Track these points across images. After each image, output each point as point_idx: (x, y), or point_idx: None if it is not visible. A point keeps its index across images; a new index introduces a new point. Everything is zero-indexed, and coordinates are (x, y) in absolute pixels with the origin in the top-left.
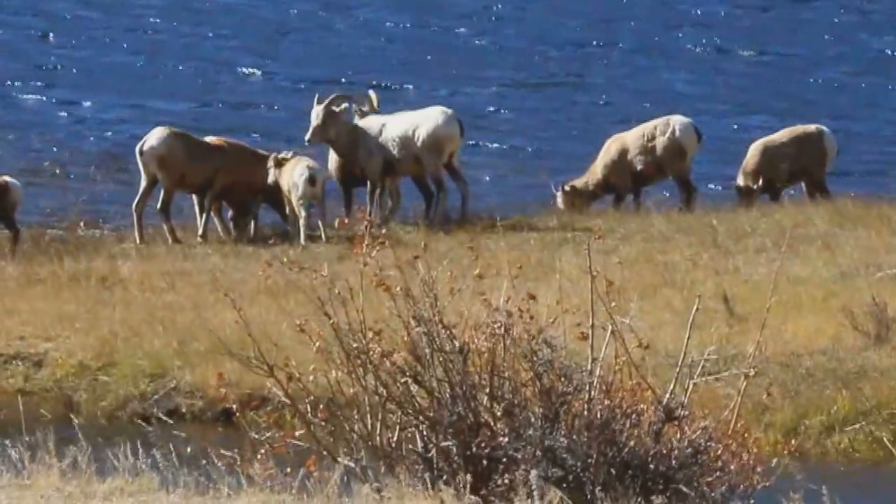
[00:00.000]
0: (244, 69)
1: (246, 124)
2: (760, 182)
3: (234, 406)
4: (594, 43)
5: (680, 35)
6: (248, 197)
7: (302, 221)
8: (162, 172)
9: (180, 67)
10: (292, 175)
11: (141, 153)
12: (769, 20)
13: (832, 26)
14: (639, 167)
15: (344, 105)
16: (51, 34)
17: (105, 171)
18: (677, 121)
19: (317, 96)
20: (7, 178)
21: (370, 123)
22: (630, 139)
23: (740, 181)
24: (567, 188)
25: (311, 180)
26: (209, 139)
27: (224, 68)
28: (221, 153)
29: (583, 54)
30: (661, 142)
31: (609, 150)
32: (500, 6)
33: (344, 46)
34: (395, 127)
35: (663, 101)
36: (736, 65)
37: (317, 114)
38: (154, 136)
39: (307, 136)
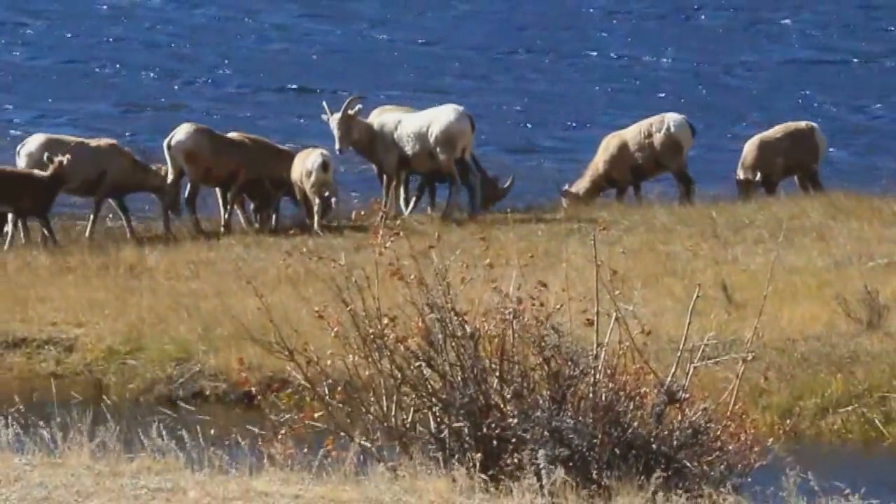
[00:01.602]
0: (165, 74)
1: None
2: (759, 176)
3: (255, 389)
4: (503, 48)
5: (592, 40)
6: (270, 190)
7: (316, 208)
8: (189, 166)
9: (97, 70)
10: (305, 163)
11: (169, 147)
12: (672, 27)
13: (734, 34)
14: (638, 162)
15: (358, 107)
16: None
17: None
18: (671, 118)
19: (325, 105)
20: (36, 171)
21: (386, 120)
22: (628, 136)
23: (740, 175)
24: (566, 190)
25: (325, 166)
26: (232, 135)
27: (144, 72)
28: (244, 148)
29: (490, 59)
30: (657, 138)
31: (609, 146)
32: (409, 11)
33: (260, 51)
34: (409, 124)
35: (575, 106)
36: (643, 70)
37: (337, 123)
38: (181, 132)
39: (337, 146)
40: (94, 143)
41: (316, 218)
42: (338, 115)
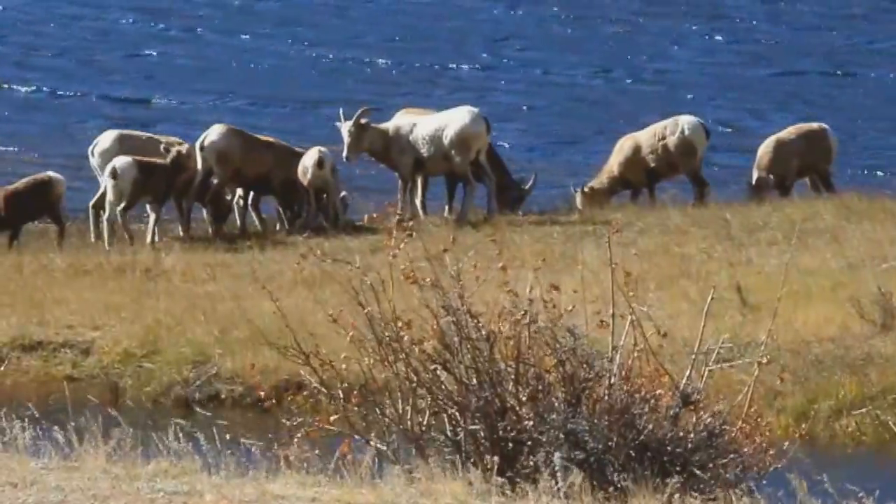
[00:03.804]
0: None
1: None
2: (774, 177)
3: (265, 394)
4: (412, 62)
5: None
6: (293, 192)
7: (311, 208)
8: (219, 167)
9: None
10: (304, 161)
11: (202, 148)
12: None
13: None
14: (651, 164)
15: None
16: None
17: None
18: (686, 120)
19: (341, 112)
20: (50, 173)
21: (401, 123)
22: (643, 138)
23: (755, 176)
24: (587, 189)
25: (320, 163)
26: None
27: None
28: (273, 150)
29: (403, 71)
30: (671, 141)
31: (623, 148)
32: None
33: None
34: (424, 127)
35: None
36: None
37: (348, 130)
38: (214, 132)
39: (344, 154)
40: (164, 139)
41: (309, 211)
42: (349, 123)
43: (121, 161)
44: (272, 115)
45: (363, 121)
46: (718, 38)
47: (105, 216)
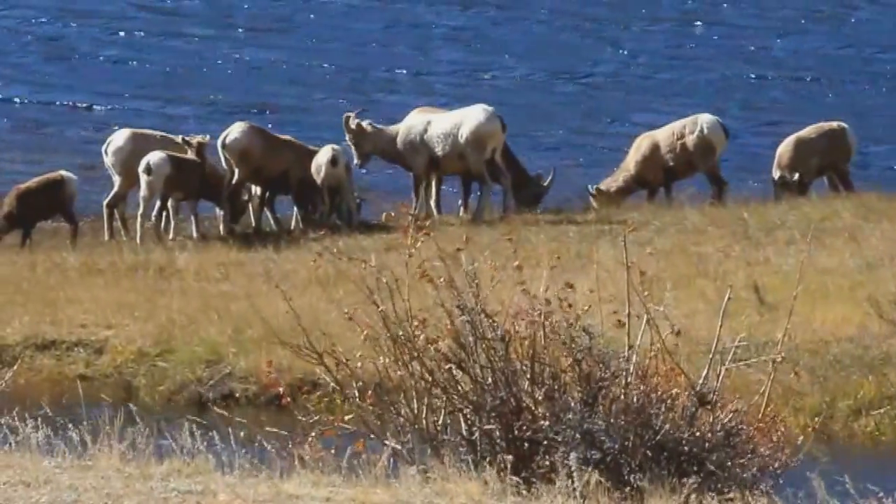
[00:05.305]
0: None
1: None
2: (798, 176)
3: (284, 390)
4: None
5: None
6: (308, 191)
7: (325, 207)
8: (240, 165)
9: None
10: (317, 159)
11: (224, 146)
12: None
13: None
14: (670, 163)
15: (359, 120)
16: None
17: None
18: (705, 119)
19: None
20: (63, 172)
21: (414, 122)
22: (661, 137)
23: (776, 174)
24: (595, 189)
25: (334, 161)
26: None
27: None
28: (292, 149)
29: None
30: (690, 139)
31: (641, 147)
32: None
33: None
34: (439, 125)
35: None
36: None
37: (348, 137)
38: (236, 130)
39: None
40: (177, 138)
41: (323, 209)
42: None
43: (154, 156)
44: (199, 117)
45: (352, 125)
46: (658, 39)
47: (140, 211)
